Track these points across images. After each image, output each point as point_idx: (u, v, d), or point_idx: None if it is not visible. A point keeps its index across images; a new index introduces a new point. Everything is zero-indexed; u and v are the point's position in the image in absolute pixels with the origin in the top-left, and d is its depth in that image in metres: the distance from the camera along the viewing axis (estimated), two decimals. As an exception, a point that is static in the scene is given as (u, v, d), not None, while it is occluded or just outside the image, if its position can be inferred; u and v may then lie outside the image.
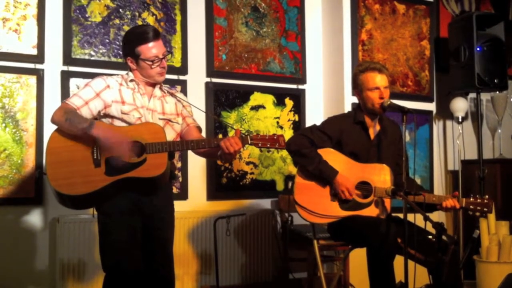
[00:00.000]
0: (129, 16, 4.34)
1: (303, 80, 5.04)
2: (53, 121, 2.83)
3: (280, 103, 4.93)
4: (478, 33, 4.99)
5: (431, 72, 5.37)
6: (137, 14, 4.37)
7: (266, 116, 4.85)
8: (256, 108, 4.82)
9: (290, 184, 4.66)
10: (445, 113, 5.54)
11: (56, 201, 2.89)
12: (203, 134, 4.25)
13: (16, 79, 3.96)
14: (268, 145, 2.95)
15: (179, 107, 3.10)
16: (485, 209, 3.32)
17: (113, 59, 4.26)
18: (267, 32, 4.89)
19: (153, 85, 3.02)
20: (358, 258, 3.95)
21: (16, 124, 3.94)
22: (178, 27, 4.52)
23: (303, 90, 5.04)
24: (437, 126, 5.53)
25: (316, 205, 3.39)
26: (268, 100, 4.87)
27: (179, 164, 4.43)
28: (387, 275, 3.18)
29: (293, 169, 4.75)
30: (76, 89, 4.01)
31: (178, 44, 4.52)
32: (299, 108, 5.00)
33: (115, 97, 2.91)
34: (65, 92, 4.06)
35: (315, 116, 4.98)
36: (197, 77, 4.58)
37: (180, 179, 4.47)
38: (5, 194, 3.88)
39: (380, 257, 3.16)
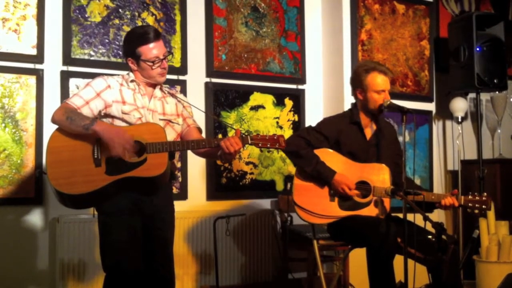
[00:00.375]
0: (128, 16, 4.34)
1: (302, 80, 5.04)
2: (54, 120, 2.83)
3: (279, 103, 4.93)
4: (478, 33, 4.99)
5: (430, 72, 5.37)
6: (136, 14, 4.37)
7: (265, 116, 4.85)
8: (255, 108, 4.82)
9: (289, 185, 4.66)
10: (444, 113, 5.55)
11: (56, 201, 2.89)
12: (203, 133, 4.25)
13: (16, 79, 3.96)
14: (268, 145, 2.95)
15: (179, 108, 3.10)
16: (483, 206, 3.32)
17: (113, 59, 4.26)
18: (267, 32, 4.89)
19: (153, 85, 3.02)
20: (358, 258, 3.95)
21: (15, 124, 3.94)
22: (177, 27, 4.52)
23: (302, 90, 5.04)
24: (436, 126, 5.53)
25: (315, 205, 3.40)
26: (267, 100, 4.87)
27: (179, 164, 4.43)
28: (387, 275, 3.18)
29: (292, 169, 4.74)
30: (76, 89, 4.01)
31: (178, 44, 4.52)
32: (298, 108, 5.00)
33: (115, 97, 2.91)
34: (64, 92, 4.06)
35: (314, 116, 4.97)
36: (196, 77, 4.58)
37: (180, 179, 4.47)
38: (5, 194, 3.88)
39: (380, 257, 3.16)
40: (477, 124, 5.25)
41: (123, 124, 2.90)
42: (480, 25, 5.02)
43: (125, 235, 2.84)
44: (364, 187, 3.39)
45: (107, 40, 4.26)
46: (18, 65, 3.98)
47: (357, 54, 4.95)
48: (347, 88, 4.82)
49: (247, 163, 4.75)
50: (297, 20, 5.05)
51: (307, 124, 4.80)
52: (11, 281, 3.86)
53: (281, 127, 4.91)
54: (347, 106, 4.81)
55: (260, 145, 2.94)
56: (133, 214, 2.87)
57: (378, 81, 3.42)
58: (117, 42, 4.26)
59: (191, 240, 4.39)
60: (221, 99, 4.67)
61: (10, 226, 3.91)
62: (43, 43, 4.04)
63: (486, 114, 5.76)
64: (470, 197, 3.35)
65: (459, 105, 5.35)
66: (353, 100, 4.61)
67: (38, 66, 4.04)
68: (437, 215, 5.02)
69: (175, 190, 4.39)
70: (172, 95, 3.11)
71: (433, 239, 3.09)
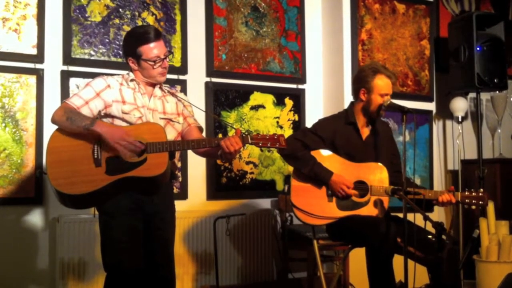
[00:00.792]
0: (129, 16, 4.34)
1: (303, 80, 5.04)
2: (54, 120, 2.83)
3: (280, 103, 4.93)
4: (478, 33, 4.99)
5: (431, 71, 5.37)
6: (137, 13, 4.37)
7: (266, 116, 4.85)
8: (256, 108, 4.82)
9: (286, 187, 4.65)
10: (445, 113, 5.54)
11: (56, 201, 2.89)
12: (203, 133, 4.25)
13: (16, 79, 3.96)
14: (269, 145, 2.95)
15: (180, 107, 3.10)
16: (480, 202, 3.34)
17: (113, 59, 4.27)
18: (267, 32, 4.89)
19: (153, 85, 3.02)
20: (358, 258, 3.95)
21: (16, 124, 3.94)
22: (178, 27, 4.52)
23: (303, 90, 5.04)
24: (437, 126, 5.53)
25: (313, 206, 3.40)
26: (268, 100, 4.88)
27: (179, 164, 4.43)
28: (386, 275, 3.18)
29: (292, 169, 4.75)
30: (76, 89, 4.02)
31: (178, 44, 4.52)
32: (299, 108, 5.00)
33: (115, 96, 2.91)
34: (65, 92, 4.06)
35: (315, 115, 4.96)
36: (197, 77, 4.58)
37: (180, 178, 4.47)
38: (5, 194, 3.88)
39: (380, 257, 3.17)
40: (477, 123, 5.25)
41: (124, 123, 2.90)
42: (480, 25, 5.02)
43: (126, 234, 2.84)
44: (361, 186, 3.39)
45: (107, 40, 4.26)
46: (18, 64, 3.98)
47: (357, 53, 4.95)
48: (347, 87, 4.84)
49: (247, 163, 4.75)
50: (297, 20, 5.05)
51: (307, 124, 4.81)
52: (11, 281, 3.86)
53: (281, 127, 4.91)
54: (347, 106, 4.80)
55: (260, 144, 2.94)
56: (133, 214, 2.87)
57: (384, 85, 3.42)
58: (117, 42, 4.26)
59: (191, 239, 4.39)
60: (221, 99, 4.67)
61: (10, 226, 3.91)
62: (43, 43, 4.04)
63: (486, 113, 5.75)
64: (467, 193, 3.37)
65: (459, 105, 5.35)
66: (353, 98, 4.62)
67: (38, 66, 4.04)
68: (437, 215, 5.03)
69: (175, 190, 4.38)
70: (172, 94, 3.11)
71: (433, 239, 3.10)
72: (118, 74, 3.04)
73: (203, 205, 4.58)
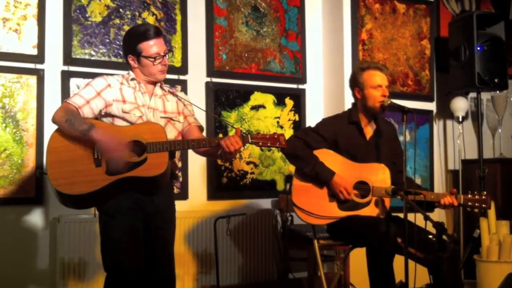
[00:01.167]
0: (129, 16, 4.34)
1: (303, 80, 5.04)
2: (54, 121, 2.83)
3: (280, 102, 4.93)
4: (478, 32, 4.99)
5: (431, 71, 5.37)
6: (137, 14, 4.37)
7: (266, 116, 4.85)
8: (256, 108, 4.82)
9: (288, 186, 4.66)
10: (445, 112, 5.54)
11: (57, 201, 2.88)
12: (204, 133, 4.25)
13: (17, 79, 3.97)
14: (269, 144, 2.95)
15: (180, 106, 3.10)
16: (483, 205, 3.31)
17: (114, 59, 4.27)
18: (267, 31, 4.89)
19: (153, 83, 3.02)
20: (358, 258, 3.95)
21: (16, 124, 3.94)
22: (178, 26, 4.52)
23: (303, 90, 5.04)
24: (437, 126, 5.53)
25: (314, 206, 3.39)
26: (268, 99, 4.88)
27: (180, 164, 4.43)
28: (387, 275, 3.18)
29: (293, 169, 4.73)
30: (77, 89, 4.02)
31: (178, 44, 4.52)
32: (299, 107, 5.00)
33: (116, 96, 2.91)
34: (65, 92, 4.06)
35: (315, 115, 4.97)
36: (197, 77, 4.59)
37: (180, 178, 4.47)
38: (6, 194, 3.89)
39: (380, 257, 3.16)
40: (477, 123, 5.25)
41: (124, 123, 2.90)
42: (480, 25, 5.02)
43: (126, 234, 2.84)
44: (363, 187, 3.39)
45: (107, 40, 4.26)
46: (18, 65, 3.98)
47: (357, 53, 4.95)
48: (348, 87, 4.79)
49: (248, 163, 4.75)
50: (298, 20, 5.05)
51: (307, 124, 4.81)
52: (11, 281, 3.87)
53: (281, 127, 4.91)
54: (347, 106, 4.80)
55: (260, 144, 2.94)
56: (134, 214, 2.87)
57: (374, 77, 3.43)
58: (117, 42, 4.26)
59: (192, 239, 4.39)
60: (222, 99, 4.67)
61: (10, 226, 3.91)
62: (43, 43, 4.04)
63: (486, 113, 5.75)
64: (469, 196, 3.34)
65: (460, 105, 5.35)
66: (353, 100, 4.63)
67: (38, 66, 4.04)
68: (438, 215, 5.02)
69: (175, 190, 4.38)
70: (173, 94, 3.11)
71: (434, 239, 3.09)
72: (119, 74, 3.04)
73: (204, 205, 4.59)
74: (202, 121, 4.27)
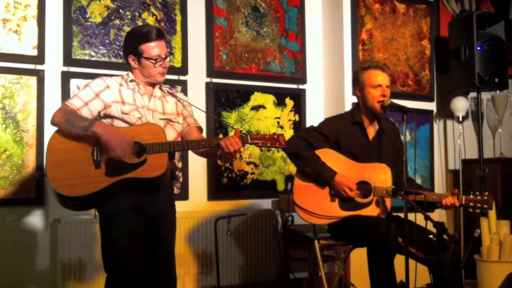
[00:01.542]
0: (129, 17, 4.35)
1: (303, 80, 5.04)
2: (53, 122, 2.84)
3: (280, 103, 4.93)
4: (479, 32, 4.99)
5: (431, 71, 5.37)
6: (137, 14, 4.38)
7: (266, 116, 4.85)
8: (256, 108, 4.82)
9: (289, 186, 4.66)
10: (445, 112, 5.54)
11: (57, 202, 2.88)
12: (204, 133, 4.25)
13: (17, 80, 3.97)
14: (269, 144, 2.95)
15: (179, 107, 3.10)
16: (485, 205, 3.31)
17: (114, 60, 4.27)
18: (267, 32, 4.90)
19: (153, 85, 3.02)
20: (359, 258, 3.95)
21: (16, 125, 3.94)
22: (178, 27, 4.52)
23: (303, 90, 5.04)
24: (437, 126, 5.53)
25: (315, 206, 3.39)
26: (268, 100, 4.88)
27: (180, 164, 4.43)
28: (387, 275, 3.18)
29: (293, 169, 4.74)
30: (77, 90, 4.01)
31: (178, 44, 4.52)
32: (299, 108, 5.00)
33: (115, 97, 2.91)
34: (65, 93, 4.06)
35: (315, 116, 4.97)
36: (197, 77, 4.59)
37: (181, 179, 4.47)
38: (6, 195, 3.89)
39: (381, 257, 3.16)
40: (478, 123, 5.25)
41: (123, 124, 2.90)
42: (480, 25, 5.01)
43: (127, 235, 2.84)
44: (364, 187, 3.39)
45: (107, 41, 4.26)
46: (18, 66, 3.98)
47: (357, 53, 4.95)
48: (348, 87, 4.84)
49: (248, 163, 4.75)
50: (298, 20, 5.05)
51: (308, 124, 4.81)
52: (12, 282, 3.86)
53: (282, 127, 4.91)
54: (347, 106, 4.81)
55: (260, 144, 2.94)
56: (134, 214, 2.87)
57: (374, 77, 3.43)
58: (117, 43, 4.27)
59: (192, 240, 4.39)
60: (222, 99, 4.68)
61: (11, 227, 3.91)
62: (43, 44, 4.04)
63: (487, 113, 5.75)
64: (471, 196, 3.34)
65: (460, 105, 5.35)
66: (353, 99, 4.63)
67: (38, 67, 4.04)
68: (438, 215, 5.02)
69: (176, 190, 4.38)
70: (172, 94, 3.11)
71: (434, 239, 3.09)
72: (118, 75, 3.04)
73: (204, 205, 4.59)
74: (202, 122, 4.27)
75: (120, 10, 4.32)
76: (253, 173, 4.77)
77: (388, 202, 3.40)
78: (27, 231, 3.96)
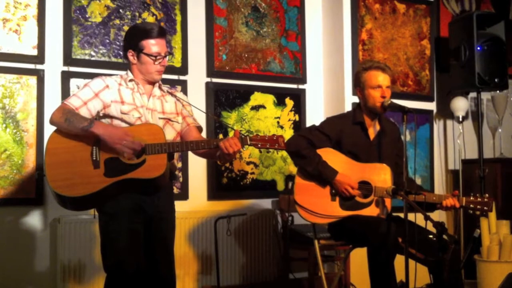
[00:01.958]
0: (129, 17, 4.35)
1: (303, 80, 5.04)
2: (52, 122, 2.83)
3: (280, 103, 4.93)
4: (479, 32, 4.99)
5: (431, 71, 5.37)
6: (137, 14, 4.37)
7: (266, 116, 4.85)
8: (256, 108, 4.82)
9: (290, 185, 4.66)
10: (445, 112, 5.54)
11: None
12: (204, 134, 4.25)
13: (17, 80, 3.97)
14: (268, 146, 2.94)
15: (178, 107, 3.10)
16: (485, 207, 3.31)
17: (114, 59, 4.27)
18: (267, 32, 4.89)
19: (152, 84, 3.02)
20: (358, 258, 3.95)
21: (16, 125, 3.94)
22: (178, 27, 4.52)
23: (303, 90, 5.04)
24: (437, 126, 5.53)
25: (316, 205, 3.40)
26: (268, 100, 4.88)
27: (179, 164, 4.43)
28: (387, 275, 3.18)
29: (293, 169, 4.75)
30: (77, 90, 4.00)
31: (178, 44, 4.52)
32: (299, 108, 5.00)
33: (114, 97, 2.91)
34: (65, 93, 4.06)
35: (315, 116, 4.98)
36: (197, 77, 4.59)
37: (181, 179, 4.47)
38: (6, 194, 3.89)
39: (381, 257, 3.16)
40: (478, 123, 5.25)
41: (123, 124, 2.89)
42: (480, 25, 5.01)
43: (126, 235, 2.83)
44: (365, 187, 3.39)
45: (107, 41, 4.26)
46: (18, 65, 3.98)
47: (357, 53, 4.95)
48: (348, 87, 4.84)
49: (248, 163, 4.75)
50: (298, 20, 5.05)
51: (307, 124, 4.81)
52: (11, 282, 3.87)
53: (282, 127, 4.91)
54: (347, 106, 4.81)
55: (259, 145, 2.94)
56: (133, 214, 2.86)
57: (374, 77, 3.43)
58: (117, 42, 4.27)
59: (192, 240, 4.39)
60: (222, 99, 4.67)
61: (10, 227, 3.91)
62: (43, 44, 4.04)
63: (487, 113, 5.75)
64: (471, 198, 3.34)
65: (460, 105, 5.35)
66: (353, 99, 4.63)
67: (38, 67, 4.04)
68: (438, 215, 5.01)
69: (176, 190, 4.39)
70: (171, 94, 3.10)
71: (434, 239, 3.09)
72: (117, 75, 3.04)
73: (204, 205, 4.58)
74: (202, 122, 4.27)
75: (120, 10, 4.32)
76: (253, 173, 4.77)
77: (388, 202, 3.40)
78: (27, 231, 3.96)
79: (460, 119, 5.37)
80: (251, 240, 4.59)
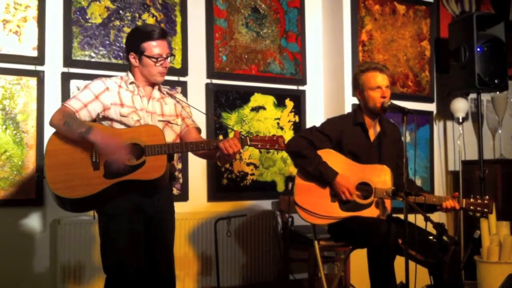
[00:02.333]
0: (129, 18, 4.35)
1: (303, 81, 5.04)
2: (52, 124, 2.83)
3: (280, 104, 4.93)
4: (478, 33, 4.99)
5: (431, 72, 5.37)
6: (137, 15, 4.38)
7: (266, 117, 4.85)
8: (256, 109, 4.82)
9: (290, 185, 4.66)
10: (445, 113, 5.54)
11: (57, 203, 2.89)
12: (204, 134, 4.25)
13: (17, 81, 3.97)
14: (268, 146, 2.94)
15: (178, 108, 3.10)
16: (485, 209, 3.32)
17: (114, 61, 4.27)
18: (267, 33, 4.90)
19: (152, 86, 3.02)
20: (358, 259, 3.95)
21: (16, 126, 3.94)
22: (178, 28, 4.53)
23: (303, 91, 5.04)
24: (437, 127, 5.53)
25: (316, 206, 3.40)
26: (268, 101, 4.88)
27: (179, 165, 4.44)
28: (387, 276, 3.18)
29: (293, 170, 4.75)
30: (77, 91, 4.01)
31: (178, 46, 4.52)
32: (299, 109, 5.00)
33: (114, 99, 2.90)
34: (65, 94, 4.06)
35: (315, 117, 4.98)
36: (197, 78, 4.59)
37: (181, 180, 4.47)
38: (6, 195, 3.89)
39: (381, 258, 3.16)
40: (478, 124, 5.25)
41: (122, 126, 2.89)
42: (480, 26, 5.02)
43: (126, 235, 2.83)
44: (365, 188, 3.39)
45: (107, 42, 4.26)
46: (18, 66, 3.98)
47: (357, 54, 4.95)
48: (348, 88, 4.84)
49: (248, 164, 4.75)
50: (298, 21, 5.05)
51: (307, 125, 4.81)
52: (11, 283, 3.86)
53: (281, 128, 4.91)
54: (347, 107, 4.82)
55: (259, 146, 2.93)
56: (133, 215, 2.86)
57: (372, 79, 3.43)
58: (117, 44, 4.27)
59: (192, 241, 4.39)
60: (222, 100, 4.68)
61: (10, 228, 3.91)
62: (43, 45, 4.04)
63: (487, 114, 5.75)
64: (471, 200, 3.34)
65: (460, 106, 5.35)
66: (353, 101, 4.63)
67: (38, 68, 4.04)
68: (438, 216, 5.01)
69: (175, 191, 4.39)
70: (171, 96, 3.10)
71: (434, 240, 3.09)
72: (117, 76, 3.03)
73: (204, 206, 4.59)
74: (202, 123, 4.28)
75: (120, 11, 4.32)
76: (253, 174, 4.77)
77: (388, 203, 3.40)
78: (26, 232, 3.96)
79: (460, 120, 5.37)
80: (251, 241, 4.59)
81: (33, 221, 3.98)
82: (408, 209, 3.08)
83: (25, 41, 3.99)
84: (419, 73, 5.30)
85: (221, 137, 4.61)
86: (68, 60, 4.13)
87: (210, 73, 4.63)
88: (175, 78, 4.45)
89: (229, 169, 4.68)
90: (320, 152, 3.43)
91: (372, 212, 3.37)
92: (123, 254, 2.82)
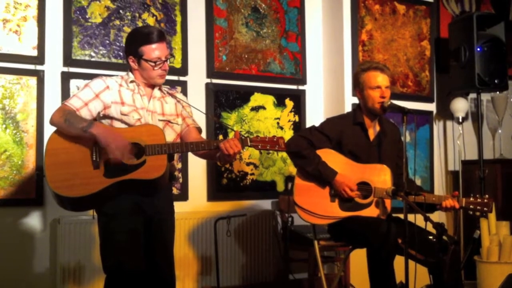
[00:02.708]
0: (129, 17, 4.35)
1: (303, 81, 5.04)
2: (52, 122, 2.83)
3: (280, 103, 4.93)
4: (479, 33, 4.99)
5: (431, 72, 5.37)
6: (137, 15, 4.38)
7: (266, 116, 4.85)
8: (256, 108, 4.82)
9: (290, 185, 4.66)
10: (445, 113, 5.54)
11: (57, 202, 2.89)
12: (204, 135, 4.25)
13: (17, 80, 3.97)
14: (268, 147, 2.94)
15: (178, 108, 3.10)
16: (485, 208, 3.31)
17: (114, 60, 4.27)
18: (267, 33, 4.90)
19: (152, 86, 3.02)
20: (358, 259, 3.95)
21: (16, 125, 3.94)
22: (178, 28, 4.52)
23: (303, 91, 5.04)
24: (437, 127, 5.53)
25: (315, 206, 3.40)
26: (268, 100, 4.88)
27: (179, 165, 4.44)
28: (387, 276, 3.18)
29: (293, 170, 4.75)
30: (77, 90, 4.01)
31: (178, 45, 4.52)
32: (299, 108, 5.00)
33: (114, 98, 2.90)
34: (65, 93, 4.06)
35: (315, 116, 4.98)
36: (197, 78, 4.59)
37: (181, 180, 4.47)
38: (6, 195, 3.89)
39: (381, 258, 3.16)
40: (477, 124, 5.25)
41: (122, 125, 2.89)
42: (480, 25, 5.02)
43: (126, 236, 2.83)
44: (365, 188, 3.39)
45: (107, 41, 4.26)
46: (18, 66, 3.98)
47: (357, 54, 4.95)
48: (348, 88, 4.84)
49: (248, 164, 4.75)
50: (298, 21, 5.05)
51: (307, 125, 4.81)
52: (11, 283, 3.86)
53: (281, 128, 4.91)
54: (347, 107, 4.81)
55: (259, 147, 2.93)
56: (133, 215, 2.86)
57: (373, 78, 3.43)
58: (117, 43, 4.27)
59: (192, 241, 4.39)
60: (222, 100, 4.68)
61: (10, 227, 3.91)
62: (43, 44, 4.04)
63: (486, 114, 5.75)
64: (471, 199, 3.34)
65: (460, 106, 5.35)
66: (353, 100, 4.64)
67: (38, 67, 4.04)
68: (438, 216, 5.01)
69: (175, 191, 4.39)
70: (171, 95, 3.10)
71: (434, 240, 3.09)
72: (117, 75, 3.04)
73: (204, 206, 4.59)
74: (202, 123, 4.28)
75: (120, 11, 4.32)
76: (253, 174, 4.77)
77: (388, 203, 3.40)
78: (26, 232, 3.96)
79: (460, 120, 5.37)
80: (251, 241, 4.59)
81: (33, 221, 3.98)
82: (408, 208, 3.07)
83: (25, 41, 3.99)
84: (419, 73, 5.30)
85: (221, 137, 4.61)
86: (68, 60, 4.13)
87: (210, 73, 4.63)
88: (175, 77, 4.45)
89: (229, 168, 4.68)
90: (319, 152, 3.43)
91: (372, 211, 3.37)
92: (123, 254, 2.82)
